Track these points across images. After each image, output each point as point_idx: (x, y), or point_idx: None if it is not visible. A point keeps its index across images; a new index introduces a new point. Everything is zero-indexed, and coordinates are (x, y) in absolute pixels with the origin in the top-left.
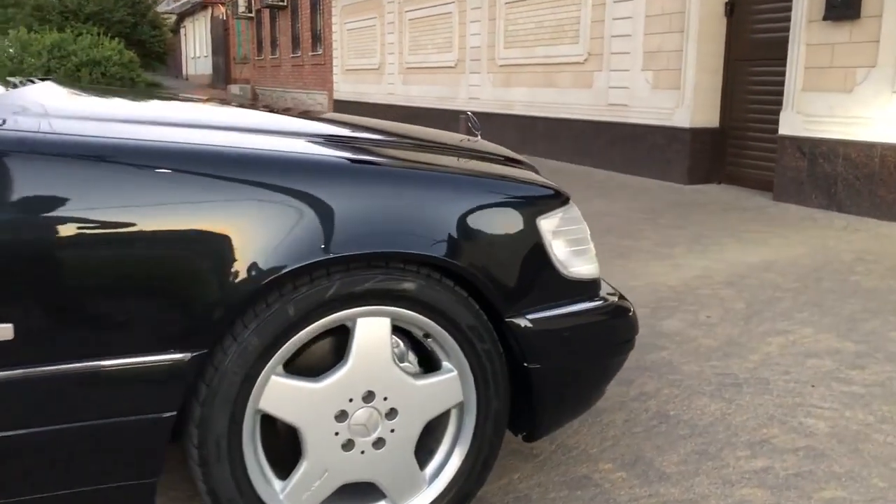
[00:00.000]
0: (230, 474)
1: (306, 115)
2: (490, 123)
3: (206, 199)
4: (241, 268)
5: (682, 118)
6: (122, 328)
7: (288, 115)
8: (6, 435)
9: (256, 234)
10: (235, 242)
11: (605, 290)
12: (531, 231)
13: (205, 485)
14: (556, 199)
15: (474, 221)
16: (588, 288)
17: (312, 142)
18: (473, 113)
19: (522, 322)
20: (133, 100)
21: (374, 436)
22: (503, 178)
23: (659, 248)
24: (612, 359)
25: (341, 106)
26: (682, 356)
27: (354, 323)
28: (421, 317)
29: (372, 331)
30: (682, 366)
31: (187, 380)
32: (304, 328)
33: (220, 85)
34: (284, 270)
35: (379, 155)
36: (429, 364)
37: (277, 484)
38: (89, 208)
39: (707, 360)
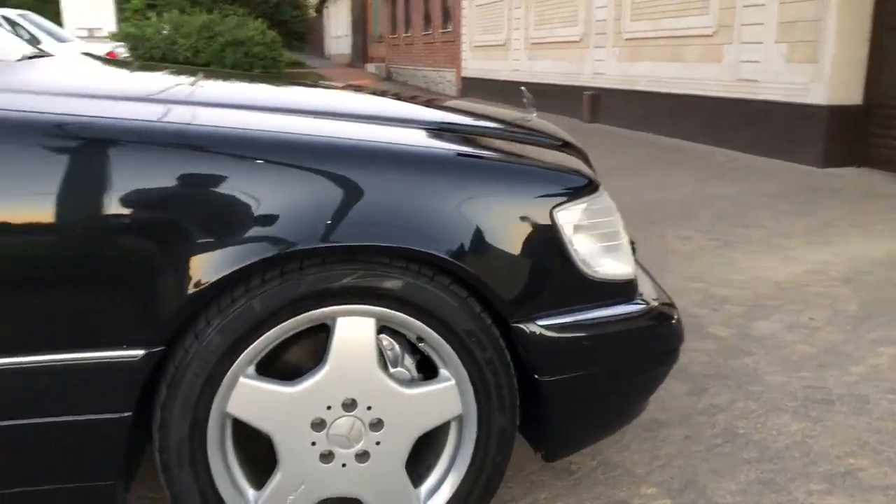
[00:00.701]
0: (193, 482)
1: (337, 91)
2: (613, 100)
3: (162, 183)
4: (201, 258)
5: (819, 95)
6: (70, 320)
7: (308, 90)
8: None
9: (218, 222)
10: (194, 230)
11: (648, 292)
12: (545, 223)
13: (169, 491)
14: (581, 188)
15: (473, 210)
16: (618, 290)
17: (309, 118)
18: (597, 90)
19: (532, 328)
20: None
21: (357, 448)
22: (513, 160)
23: (773, 237)
24: (648, 373)
25: (470, 84)
26: (769, 364)
27: (334, 322)
28: (410, 318)
29: (353, 332)
30: (767, 375)
31: (140, 379)
32: (274, 327)
33: (358, 64)
34: (249, 262)
35: (369, 135)
36: (431, 370)
37: (251, 494)
38: (28, 193)
39: (798, 369)
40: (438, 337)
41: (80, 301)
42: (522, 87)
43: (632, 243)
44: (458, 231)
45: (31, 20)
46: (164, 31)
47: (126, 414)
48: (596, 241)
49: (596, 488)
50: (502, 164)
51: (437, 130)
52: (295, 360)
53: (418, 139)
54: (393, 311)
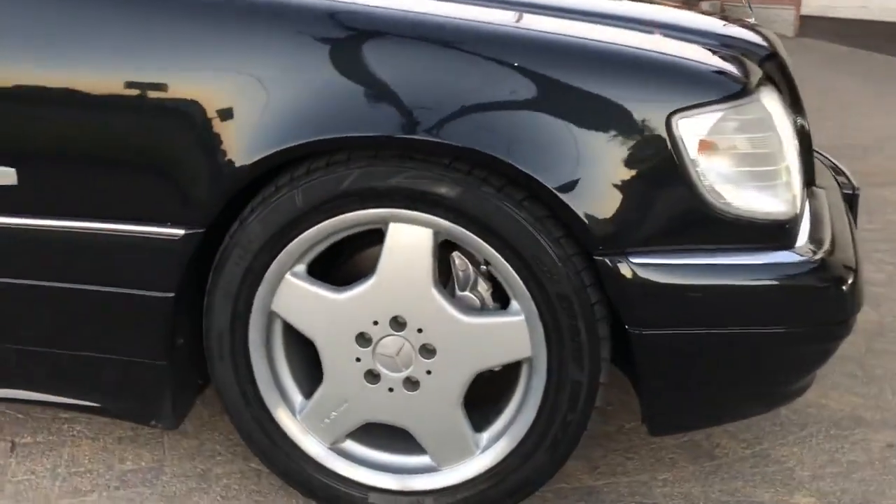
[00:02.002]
0: (233, 376)
1: None
2: None
3: (210, 61)
4: (238, 139)
5: None
6: (121, 192)
7: None
8: (9, 282)
9: (261, 101)
10: (238, 109)
11: (819, 242)
12: (657, 132)
13: (214, 383)
14: (719, 92)
15: (560, 109)
16: (763, 233)
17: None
18: None
19: (620, 265)
20: None
21: (406, 374)
22: (621, 51)
23: None
24: (794, 345)
25: (810, 23)
26: None
27: (387, 228)
28: (471, 235)
29: (406, 242)
30: None
31: (181, 260)
32: (316, 224)
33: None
34: (283, 147)
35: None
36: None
37: (299, 401)
38: (118, 67)
39: None
40: (504, 262)
41: (136, 174)
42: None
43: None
44: (537, 133)
45: None
46: None
47: (168, 294)
48: (736, 164)
49: (734, 482)
50: (604, 54)
51: (555, 12)
52: (356, 270)
53: (506, 18)
54: (451, 224)
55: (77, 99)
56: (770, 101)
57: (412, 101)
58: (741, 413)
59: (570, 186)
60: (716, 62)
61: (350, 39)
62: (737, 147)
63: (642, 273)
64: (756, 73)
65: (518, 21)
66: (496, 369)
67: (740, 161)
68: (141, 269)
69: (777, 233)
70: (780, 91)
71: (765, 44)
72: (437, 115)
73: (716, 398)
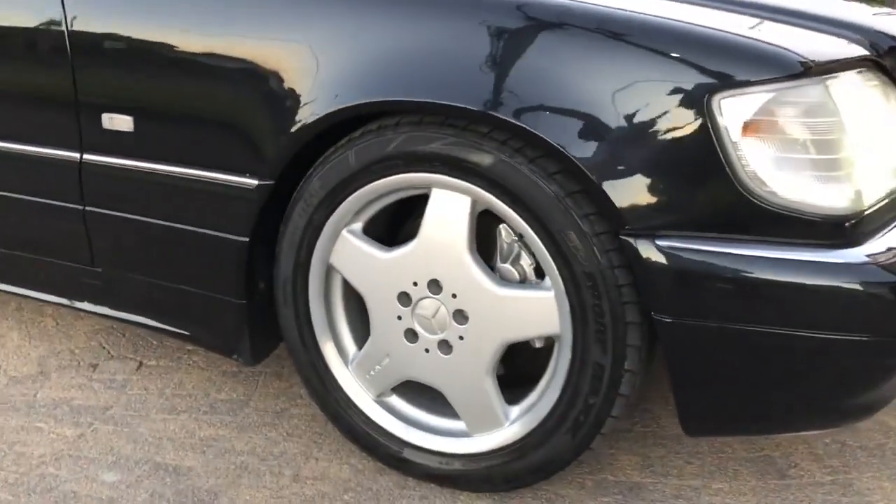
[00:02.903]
0: (294, 321)
1: None
2: None
3: (278, 20)
4: (304, 101)
5: None
6: (209, 143)
7: None
8: (115, 214)
9: (317, 66)
10: (303, 70)
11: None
12: (696, 111)
13: (280, 326)
14: (771, 71)
15: (598, 82)
16: (816, 228)
17: None
18: None
19: (647, 247)
20: None
21: (441, 336)
22: (674, 25)
23: None
24: (845, 356)
25: None
26: None
27: (430, 193)
28: (504, 206)
29: (446, 207)
30: None
31: (254, 208)
32: (368, 183)
33: None
34: (335, 108)
35: None
36: None
37: (352, 352)
38: (193, 28)
39: None
40: (534, 235)
41: (219, 128)
42: None
43: None
44: (570, 106)
45: None
46: None
47: (244, 238)
48: (784, 151)
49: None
50: (648, 27)
51: None
52: (411, 232)
53: None
54: (486, 193)
55: (180, 60)
56: (843, 86)
57: (449, 68)
58: (789, 425)
59: (599, 162)
60: (774, 40)
61: (398, 8)
62: (787, 132)
63: (668, 257)
64: (835, 55)
65: None
66: (537, 344)
67: (790, 147)
68: (221, 213)
69: (831, 229)
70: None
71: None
72: (472, 84)
73: (754, 403)
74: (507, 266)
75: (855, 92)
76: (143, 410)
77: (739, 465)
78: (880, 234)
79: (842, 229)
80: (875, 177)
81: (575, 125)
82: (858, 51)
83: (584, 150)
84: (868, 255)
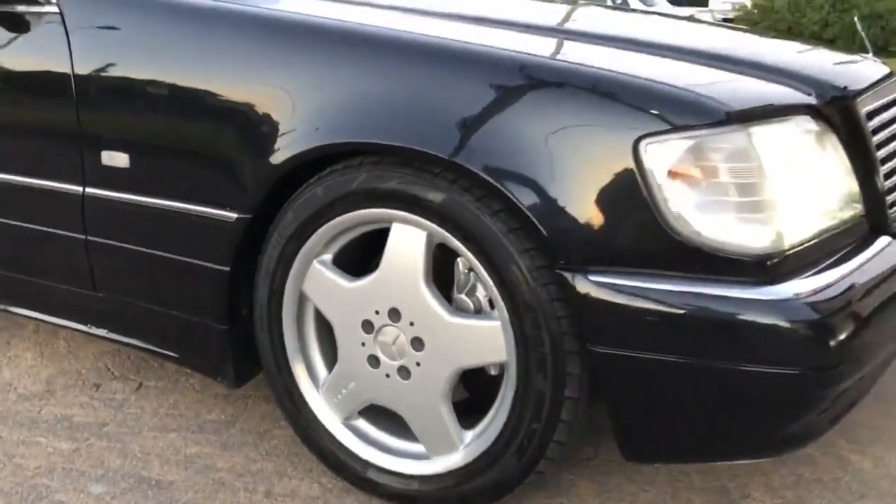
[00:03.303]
0: (269, 345)
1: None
2: None
3: (257, 69)
4: (276, 141)
5: None
6: (196, 178)
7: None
8: (114, 244)
9: (288, 113)
10: (278, 113)
11: (833, 286)
12: (625, 156)
13: (259, 350)
14: (694, 117)
15: (534, 127)
16: (739, 266)
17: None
18: None
19: (579, 281)
20: None
21: (400, 362)
22: (598, 74)
23: None
24: (769, 388)
25: None
26: None
27: (391, 227)
28: (455, 240)
29: (404, 241)
30: None
31: (235, 239)
32: (334, 217)
33: None
34: (311, 146)
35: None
36: None
37: (323, 376)
38: (185, 74)
39: None
40: (482, 268)
41: (204, 165)
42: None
43: None
44: (511, 149)
45: None
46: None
47: (224, 268)
48: (706, 193)
49: None
50: (580, 76)
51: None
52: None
53: (502, 42)
54: (439, 228)
55: (170, 103)
56: (767, 133)
57: (405, 114)
58: (721, 454)
59: (536, 201)
60: (700, 88)
61: (360, 59)
62: (708, 176)
63: (598, 291)
64: (761, 102)
65: (500, 41)
66: (492, 371)
67: (712, 190)
68: (205, 243)
69: (753, 267)
70: (826, 128)
71: (852, 84)
72: (424, 128)
73: (686, 432)
74: (463, 297)
75: (782, 138)
76: (137, 428)
77: (694, 494)
78: (806, 272)
79: (764, 267)
80: (801, 218)
81: (514, 166)
82: (792, 98)
83: (522, 190)
84: (788, 293)
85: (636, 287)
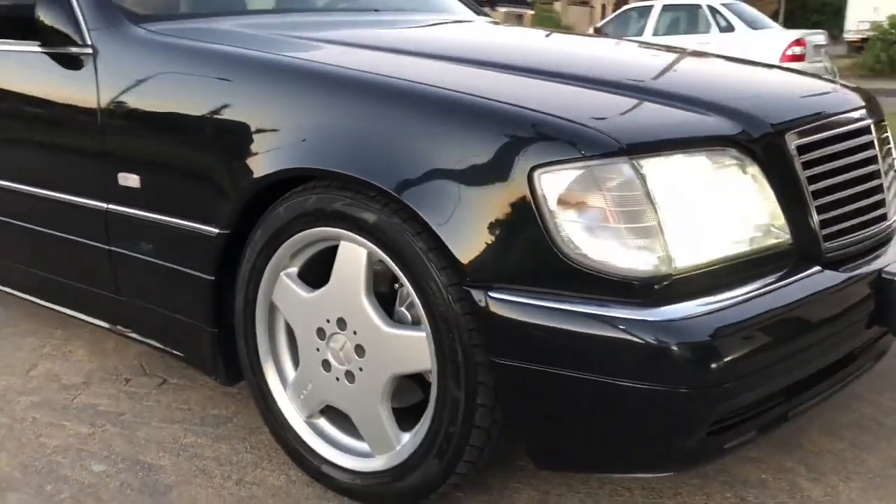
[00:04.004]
0: (245, 349)
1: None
2: None
3: (232, 104)
4: (245, 167)
5: None
6: (190, 197)
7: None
8: (129, 254)
9: (264, 138)
10: (248, 142)
11: (699, 303)
12: (521, 184)
13: (238, 354)
14: (582, 149)
15: (444, 156)
16: (625, 288)
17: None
18: None
19: (482, 298)
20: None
21: (347, 367)
22: (501, 105)
23: None
24: (645, 405)
25: None
26: None
27: (339, 244)
28: (387, 258)
29: (349, 257)
30: None
31: (217, 252)
32: (294, 234)
33: None
34: (271, 171)
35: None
36: None
37: (291, 377)
38: (178, 108)
39: None
40: (408, 283)
41: (194, 187)
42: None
43: None
44: (427, 175)
45: (735, 9)
46: None
47: (209, 277)
48: (594, 220)
49: None
50: (483, 109)
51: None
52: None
53: (429, 76)
54: (374, 246)
55: (169, 133)
56: (659, 165)
57: (345, 144)
58: (616, 467)
59: (446, 224)
60: (592, 120)
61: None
62: (595, 204)
63: (499, 307)
64: (657, 136)
65: (422, 73)
66: (429, 378)
67: (598, 217)
68: (195, 255)
69: (638, 289)
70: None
71: (782, 118)
72: (360, 157)
73: (581, 443)
74: (403, 310)
75: (674, 170)
76: (148, 418)
77: None
78: (697, 297)
79: (651, 290)
80: (696, 245)
81: (429, 192)
82: (704, 131)
83: (435, 213)
84: (669, 315)
85: (531, 304)
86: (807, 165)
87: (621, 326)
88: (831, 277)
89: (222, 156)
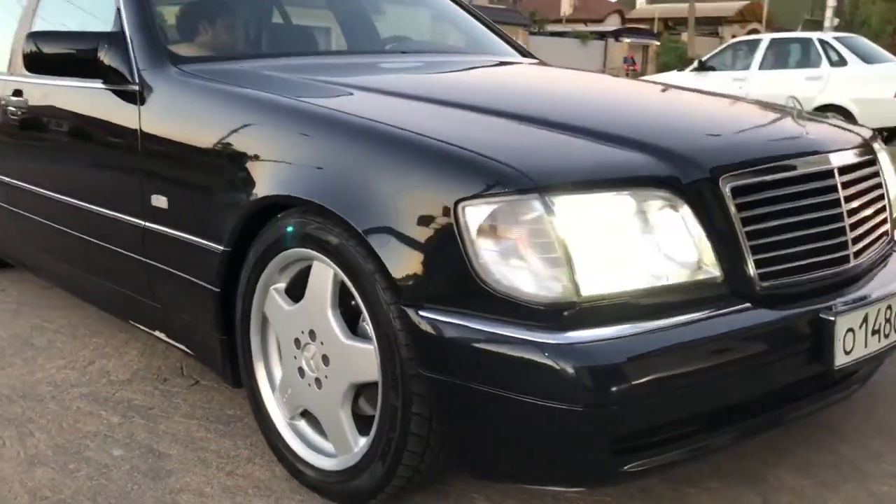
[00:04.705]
0: (242, 354)
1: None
2: None
3: (234, 139)
4: (238, 196)
5: None
6: (205, 219)
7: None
8: (160, 266)
9: (257, 168)
10: (245, 171)
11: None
12: (446, 215)
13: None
14: (500, 185)
15: (384, 187)
16: (532, 312)
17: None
18: None
19: (414, 316)
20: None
21: (316, 374)
22: (437, 143)
23: None
24: (545, 421)
25: None
26: None
27: (312, 264)
28: (345, 277)
29: (320, 275)
30: None
31: (221, 267)
32: (278, 254)
33: None
34: (257, 198)
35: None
36: None
37: (279, 379)
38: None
39: None
40: (361, 300)
41: (207, 209)
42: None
43: None
44: (374, 203)
45: (849, 43)
46: None
47: (216, 289)
48: (508, 250)
49: None
50: (423, 146)
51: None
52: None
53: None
54: (336, 267)
55: (186, 162)
56: (571, 202)
57: (312, 175)
58: (531, 479)
59: (387, 247)
60: (514, 158)
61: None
62: (507, 235)
63: (426, 324)
64: (572, 175)
65: (390, 115)
66: None
67: (511, 247)
68: (206, 268)
69: (543, 314)
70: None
71: (717, 162)
72: (324, 186)
73: (499, 454)
74: (364, 324)
75: (587, 207)
76: (172, 413)
77: None
78: (610, 324)
79: (559, 315)
80: (606, 277)
81: (374, 218)
82: (631, 171)
83: (378, 238)
84: (568, 339)
85: (452, 323)
86: (741, 208)
87: (525, 347)
88: (758, 315)
89: (226, 182)
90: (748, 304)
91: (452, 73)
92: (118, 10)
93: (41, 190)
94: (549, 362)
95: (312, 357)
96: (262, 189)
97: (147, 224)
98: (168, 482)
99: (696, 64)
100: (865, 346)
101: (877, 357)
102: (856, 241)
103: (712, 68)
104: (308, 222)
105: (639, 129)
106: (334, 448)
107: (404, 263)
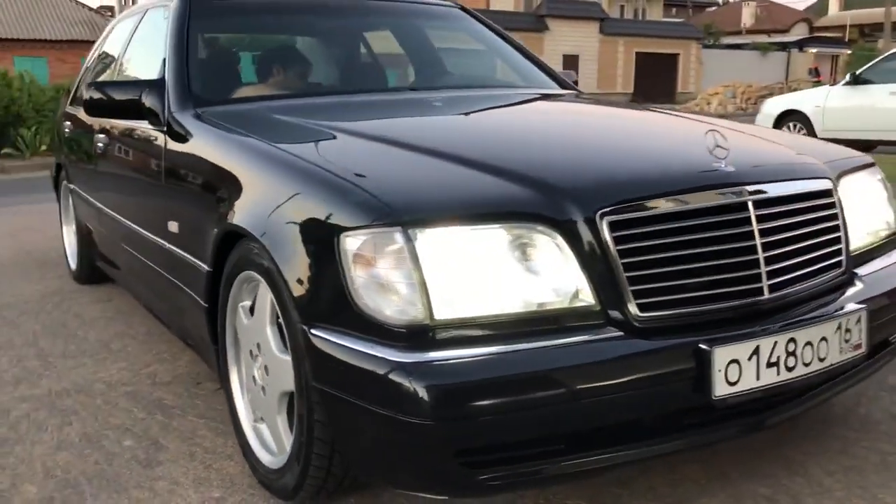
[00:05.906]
0: (219, 365)
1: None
2: None
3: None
4: (217, 219)
5: None
6: (198, 241)
7: None
8: (174, 280)
9: (227, 201)
10: (223, 203)
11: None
12: (331, 244)
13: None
14: (364, 218)
15: (291, 214)
16: (392, 332)
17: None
18: None
19: (308, 334)
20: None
21: (262, 383)
22: (329, 177)
23: None
24: (406, 433)
25: None
26: None
27: (260, 285)
28: (273, 296)
29: (262, 294)
30: None
31: (207, 284)
32: (238, 275)
33: None
34: (217, 230)
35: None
36: None
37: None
38: (195, 171)
39: None
40: (282, 317)
41: (201, 234)
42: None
43: None
44: (285, 231)
45: None
46: None
47: (205, 304)
48: (375, 276)
49: None
50: (323, 179)
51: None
52: None
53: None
54: (268, 287)
55: (188, 194)
56: (434, 234)
57: (254, 206)
58: (401, 484)
59: (288, 271)
60: (386, 192)
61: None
62: (373, 263)
63: (316, 341)
64: (441, 209)
65: (327, 154)
66: None
67: (377, 274)
68: (198, 285)
69: (401, 335)
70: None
71: (596, 199)
72: (260, 215)
73: (375, 461)
74: None
75: (453, 238)
76: (188, 413)
77: None
78: (465, 346)
79: (413, 336)
80: (463, 303)
81: (281, 244)
82: (503, 206)
83: (285, 263)
84: (418, 358)
85: (332, 341)
86: (619, 241)
87: (383, 364)
88: (629, 345)
89: (210, 211)
90: (620, 334)
91: (427, 113)
92: (163, 60)
93: (115, 214)
94: (400, 379)
95: (259, 367)
96: (229, 218)
97: (166, 245)
98: (155, 471)
99: (848, 77)
100: (757, 378)
101: (785, 391)
102: (774, 274)
103: (869, 81)
104: (252, 248)
105: (530, 163)
106: (276, 449)
107: (303, 286)
